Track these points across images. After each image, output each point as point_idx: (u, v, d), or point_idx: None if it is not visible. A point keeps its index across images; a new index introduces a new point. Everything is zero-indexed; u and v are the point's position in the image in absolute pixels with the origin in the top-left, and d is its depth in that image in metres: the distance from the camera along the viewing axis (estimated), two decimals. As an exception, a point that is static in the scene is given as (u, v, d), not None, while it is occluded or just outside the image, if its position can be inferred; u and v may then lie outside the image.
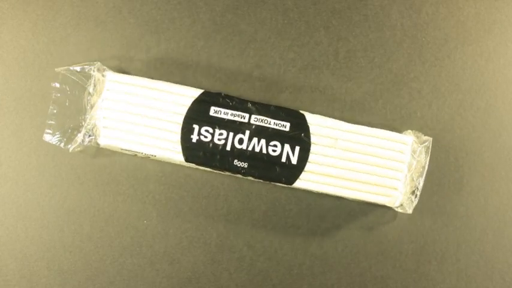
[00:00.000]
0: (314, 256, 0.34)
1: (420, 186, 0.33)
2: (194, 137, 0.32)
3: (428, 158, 0.33)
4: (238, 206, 0.34)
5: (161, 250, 0.34)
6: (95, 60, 0.34)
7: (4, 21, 0.35)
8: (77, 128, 0.33)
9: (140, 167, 0.34)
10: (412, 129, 0.34)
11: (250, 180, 0.34)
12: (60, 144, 0.33)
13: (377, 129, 0.33)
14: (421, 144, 0.33)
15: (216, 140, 0.32)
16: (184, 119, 0.32)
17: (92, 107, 0.32)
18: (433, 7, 0.36)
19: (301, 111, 0.32)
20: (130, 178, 0.34)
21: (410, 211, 0.33)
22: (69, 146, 0.33)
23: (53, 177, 0.34)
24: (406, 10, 0.35)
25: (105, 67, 0.33)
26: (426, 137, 0.33)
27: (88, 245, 0.34)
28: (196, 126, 0.32)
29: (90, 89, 0.32)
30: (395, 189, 0.32)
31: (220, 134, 0.32)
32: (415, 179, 0.33)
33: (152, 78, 0.34)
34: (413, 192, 0.33)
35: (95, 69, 0.33)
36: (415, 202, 0.33)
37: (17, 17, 0.35)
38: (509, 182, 0.35)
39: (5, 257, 0.34)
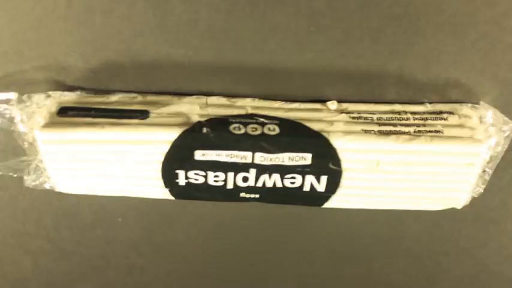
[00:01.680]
0: (314, 256, 0.34)
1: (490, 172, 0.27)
2: (181, 181, 0.25)
3: (507, 146, 0.25)
4: (238, 206, 0.34)
5: (161, 250, 0.34)
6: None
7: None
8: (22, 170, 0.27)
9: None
10: None
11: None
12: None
13: (434, 144, 0.24)
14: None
15: (211, 182, 0.25)
16: (163, 166, 0.24)
17: (29, 144, 0.25)
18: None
19: (323, 133, 0.24)
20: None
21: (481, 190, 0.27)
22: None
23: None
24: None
25: (31, 93, 0.25)
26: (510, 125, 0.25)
27: (88, 245, 0.34)
28: (181, 172, 0.24)
29: (21, 128, 0.25)
30: (463, 191, 0.26)
31: (216, 176, 0.25)
32: (486, 169, 0.26)
33: (153, 78, 0.34)
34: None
35: (12, 107, 0.24)
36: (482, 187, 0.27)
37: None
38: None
39: (6, 257, 0.34)
